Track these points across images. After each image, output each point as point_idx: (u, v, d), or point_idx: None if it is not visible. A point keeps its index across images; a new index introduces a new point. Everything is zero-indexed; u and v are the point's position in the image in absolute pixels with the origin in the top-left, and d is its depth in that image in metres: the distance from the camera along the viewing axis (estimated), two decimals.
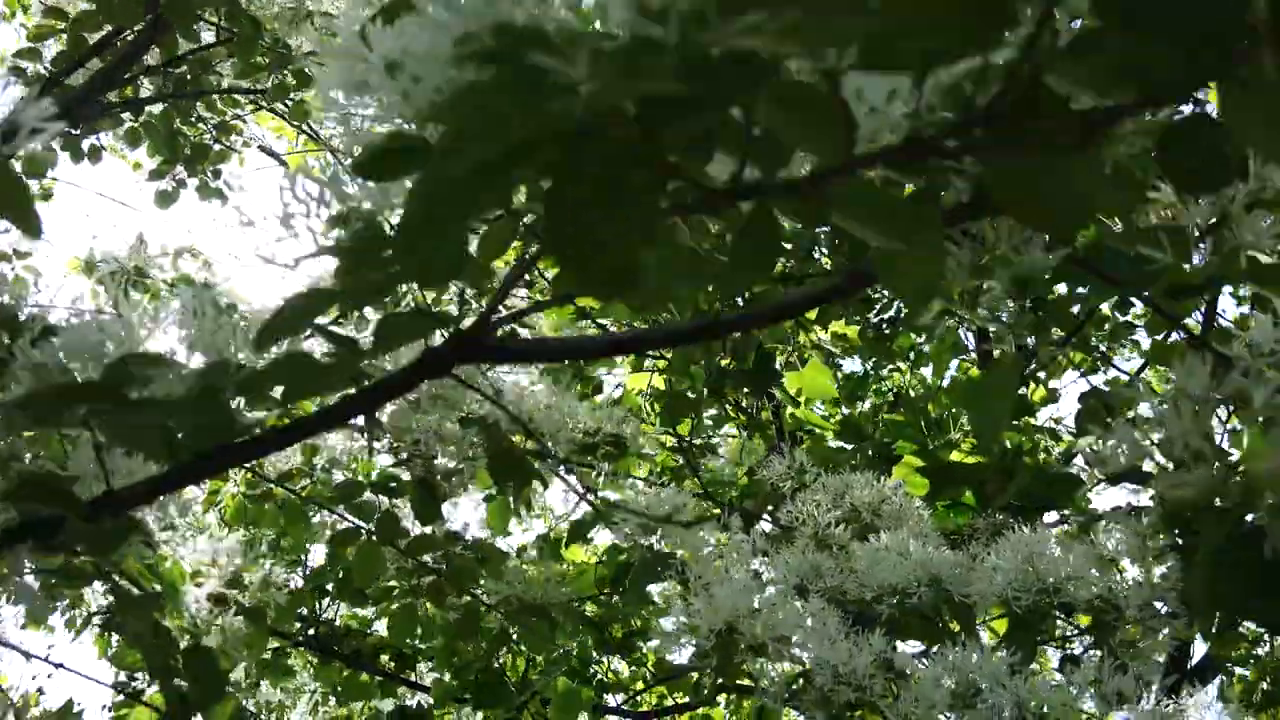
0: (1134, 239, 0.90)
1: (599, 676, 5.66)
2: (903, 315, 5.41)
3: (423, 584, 2.59)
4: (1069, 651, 1.98)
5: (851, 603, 2.05)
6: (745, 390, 2.99)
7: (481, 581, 2.65)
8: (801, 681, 1.85)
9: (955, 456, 2.65)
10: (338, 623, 6.37)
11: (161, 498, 1.42)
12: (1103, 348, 3.63)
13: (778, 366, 3.13)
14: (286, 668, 5.73)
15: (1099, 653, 1.87)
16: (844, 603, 2.07)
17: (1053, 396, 3.78)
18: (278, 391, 1.08)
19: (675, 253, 0.95)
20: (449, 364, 1.08)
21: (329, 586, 5.38)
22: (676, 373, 2.87)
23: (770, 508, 2.47)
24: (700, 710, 7.34)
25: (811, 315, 4.05)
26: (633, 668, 6.08)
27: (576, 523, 2.40)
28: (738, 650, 1.88)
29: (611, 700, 7.15)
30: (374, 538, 2.49)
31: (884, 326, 5.59)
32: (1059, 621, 2.00)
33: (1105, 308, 3.48)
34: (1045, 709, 1.70)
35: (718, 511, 2.36)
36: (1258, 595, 0.63)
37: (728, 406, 3.00)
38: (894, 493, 2.43)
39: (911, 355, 5.05)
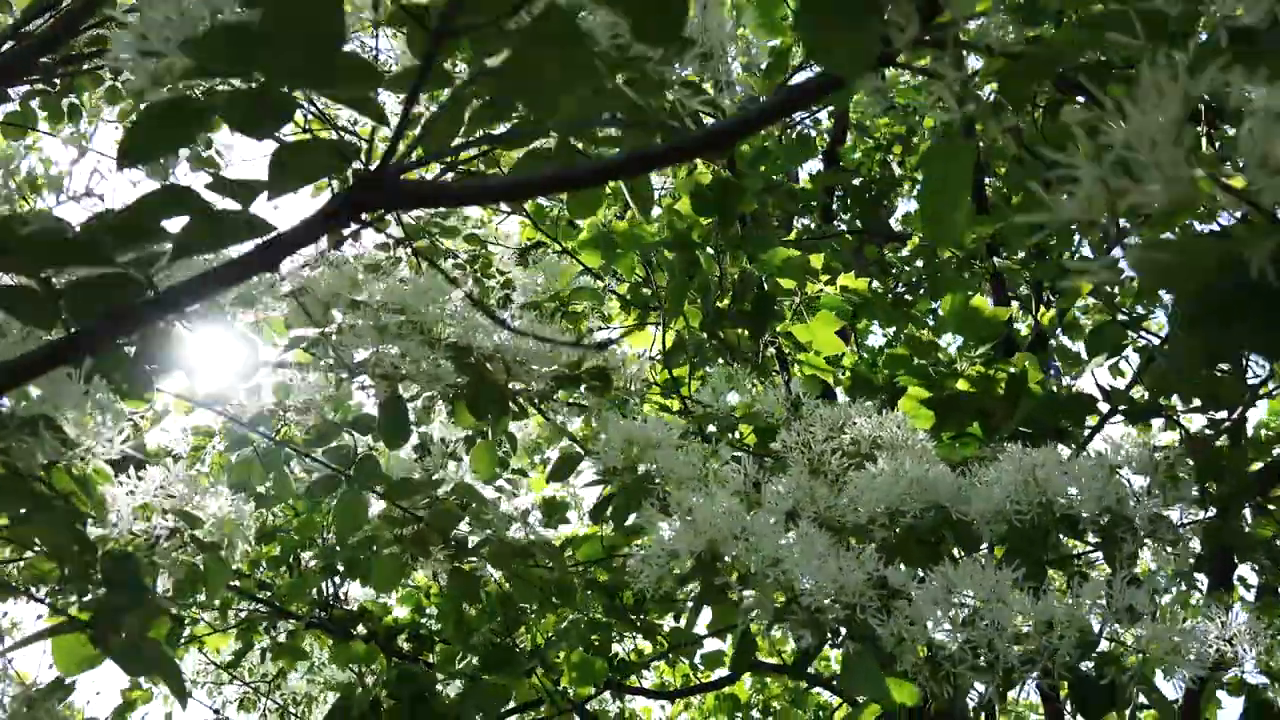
0: None
1: (620, 655, 5.58)
2: (925, 280, 5.28)
3: (406, 534, 2.49)
4: (1078, 569, 1.86)
5: (845, 528, 1.94)
6: (744, 333, 2.88)
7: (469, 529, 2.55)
8: (789, 603, 1.73)
9: (961, 386, 2.53)
10: (354, 605, 6.31)
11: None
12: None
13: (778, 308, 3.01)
14: (300, 650, 5.66)
15: (1109, 569, 1.74)
16: (838, 529, 1.95)
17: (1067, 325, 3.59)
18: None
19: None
20: (356, 208, 0.97)
21: (339, 566, 5.32)
22: (673, 315, 2.75)
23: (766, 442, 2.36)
24: (725, 689, 7.24)
25: (818, 263, 3.93)
26: (648, 641, 5.99)
27: (559, 459, 2.29)
28: (720, 574, 1.77)
29: (638, 682, 7.08)
30: (354, 485, 2.39)
31: (904, 294, 5.46)
32: (1066, 541, 1.87)
33: None
34: (1051, 624, 1.57)
35: (708, 442, 2.24)
36: (1248, 323, 0.52)
37: (726, 354, 2.88)
38: (895, 424, 2.31)
39: (932, 321, 4.91)
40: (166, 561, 1.83)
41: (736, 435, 2.36)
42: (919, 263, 5.23)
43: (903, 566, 1.75)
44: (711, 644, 5.78)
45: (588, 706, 5.50)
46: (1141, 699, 1.61)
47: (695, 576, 1.78)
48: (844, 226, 6.23)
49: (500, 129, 1.04)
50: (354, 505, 2.43)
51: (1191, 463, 1.96)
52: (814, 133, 7.50)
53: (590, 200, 1.79)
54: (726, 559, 1.80)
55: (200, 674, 8.54)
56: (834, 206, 6.03)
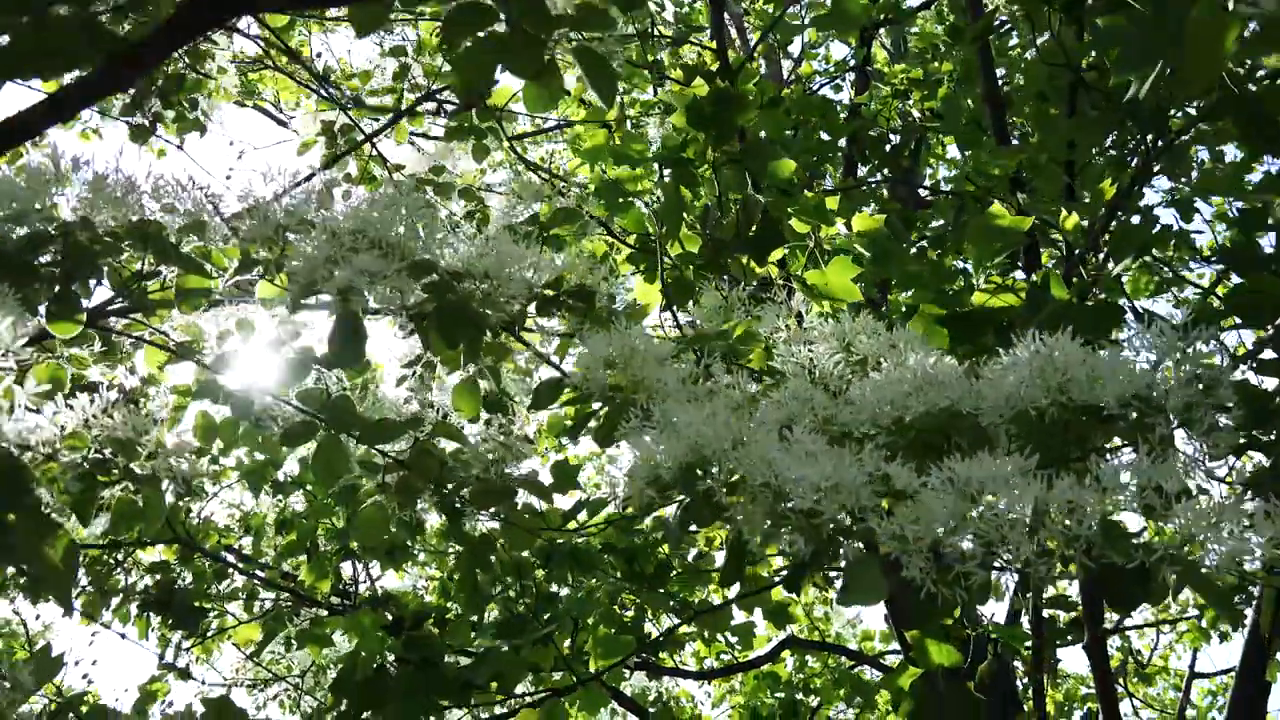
0: None
1: (654, 635, 5.44)
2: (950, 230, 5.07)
3: (390, 482, 2.34)
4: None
5: (846, 435, 1.76)
6: (747, 260, 2.71)
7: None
8: (782, 508, 1.56)
9: (977, 299, 2.34)
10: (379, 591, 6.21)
11: None
12: None
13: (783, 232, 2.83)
14: (324, 637, 5.56)
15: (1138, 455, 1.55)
16: (838, 438, 1.78)
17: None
18: None
19: None
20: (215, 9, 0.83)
21: (354, 546, 5.21)
22: (670, 238, 2.59)
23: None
24: (766, 667, 7.05)
25: (833, 205, 3.76)
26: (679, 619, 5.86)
27: (540, 387, 2.13)
28: (706, 483, 1.60)
29: (671, 661, 6.93)
30: (329, 429, 2.25)
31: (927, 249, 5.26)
32: (1090, 436, 1.69)
33: None
34: (1072, 509, 1.40)
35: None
36: None
37: (727, 284, 2.72)
38: (905, 339, 2.13)
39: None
40: (106, 497, 1.69)
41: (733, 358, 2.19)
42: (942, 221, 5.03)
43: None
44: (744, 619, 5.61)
45: (622, 688, 5.36)
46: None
47: (680, 488, 1.62)
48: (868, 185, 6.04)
49: None
50: (331, 452, 2.29)
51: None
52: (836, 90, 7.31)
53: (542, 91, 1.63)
54: (715, 470, 1.64)
55: (240, 670, 8.49)
56: (857, 162, 5.85)
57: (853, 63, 6.37)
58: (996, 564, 1.42)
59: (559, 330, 2.19)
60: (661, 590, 4.18)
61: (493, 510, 2.38)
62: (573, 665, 3.98)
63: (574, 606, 3.84)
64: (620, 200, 3.65)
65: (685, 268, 2.75)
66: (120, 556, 6.99)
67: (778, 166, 2.64)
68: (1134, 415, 1.64)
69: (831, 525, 1.52)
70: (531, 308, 2.13)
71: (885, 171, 5.77)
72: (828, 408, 1.80)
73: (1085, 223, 2.40)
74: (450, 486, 2.32)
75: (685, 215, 2.59)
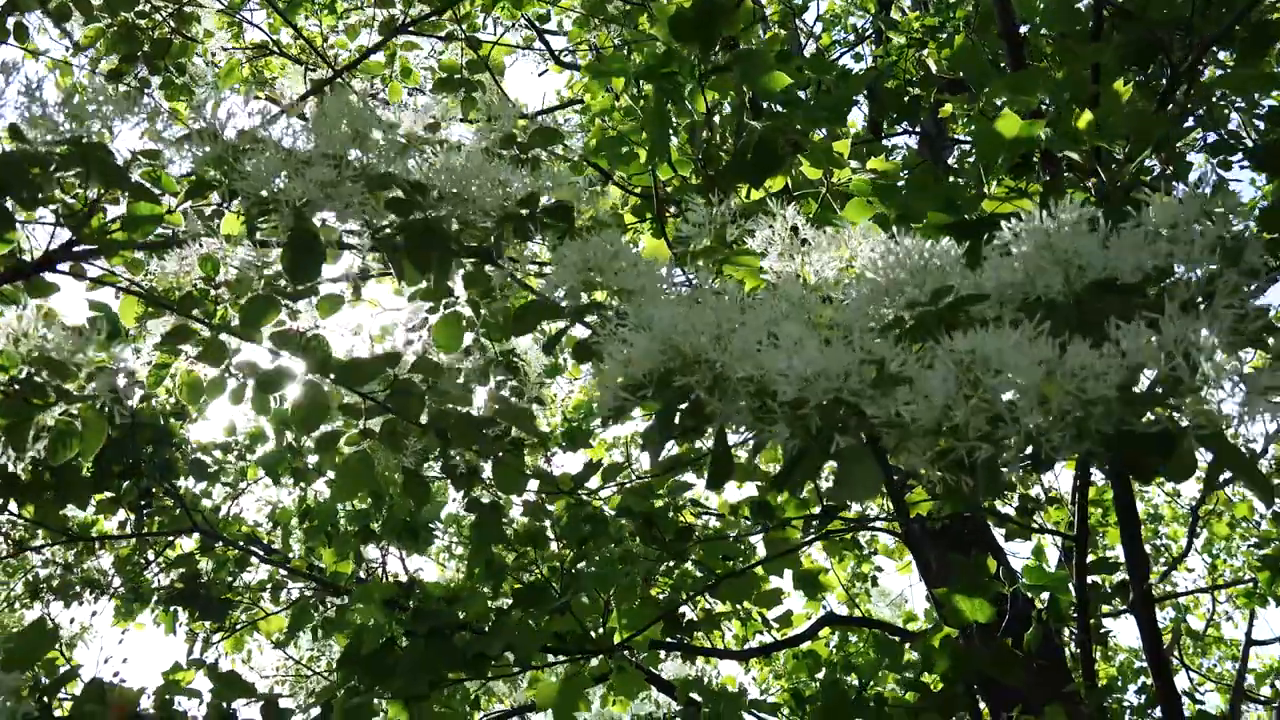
0: None
1: (689, 617, 5.30)
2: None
3: (373, 428, 2.22)
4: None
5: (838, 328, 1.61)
6: (746, 190, 2.56)
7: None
8: (767, 402, 1.42)
9: (987, 207, 2.19)
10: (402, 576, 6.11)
11: None
12: None
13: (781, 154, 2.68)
14: (351, 625, 5.46)
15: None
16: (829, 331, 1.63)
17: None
18: None
19: None
20: None
21: (374, 527, 5.11)
22: (657, 155, 2.45)
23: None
24: (805, 646, 6.89)
25: (844, 149, 3.60)
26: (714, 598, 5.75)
27: (518, 311, 1.99)
28: (682, 379, 1.46)
29: (705, 641, 6.77)
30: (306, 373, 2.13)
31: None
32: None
33: None
34: (1085, 373, 1.25)
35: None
36: None
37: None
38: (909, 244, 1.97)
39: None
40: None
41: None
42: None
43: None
44: (785, 599, 5.47)
45: (660, 674, 5.21)
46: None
47: (654, 388, 1.48)
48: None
49: None
50: (310, 398, 2.17)
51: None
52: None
53: None
54: (694, 371, 1.50)
55: (281, 668, 8.46)
56: (880, 124, 5.69)
57: (870, 30, 6.21)
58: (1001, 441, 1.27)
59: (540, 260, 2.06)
60: (683, 555, 4.04)
61: (476, 448, 2.24)
62: (589, 637, 3.84)
63: (595, 577, 3.71)
64: (623, 150, 3.52)
65: (683, 201, 2.61)
66: (151, 555, 6.98)
67: (772, 78, 2.49)
68: (1153, 290, 1.49)
69: (820, 417, 1.38)
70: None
71: (905, 126, 5.61)
72: (819, 309, 1.66)
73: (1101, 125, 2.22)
74: (437, 429, 2.19)
75: (674, 138, 2.45)
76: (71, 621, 8.02)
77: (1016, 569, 5.00)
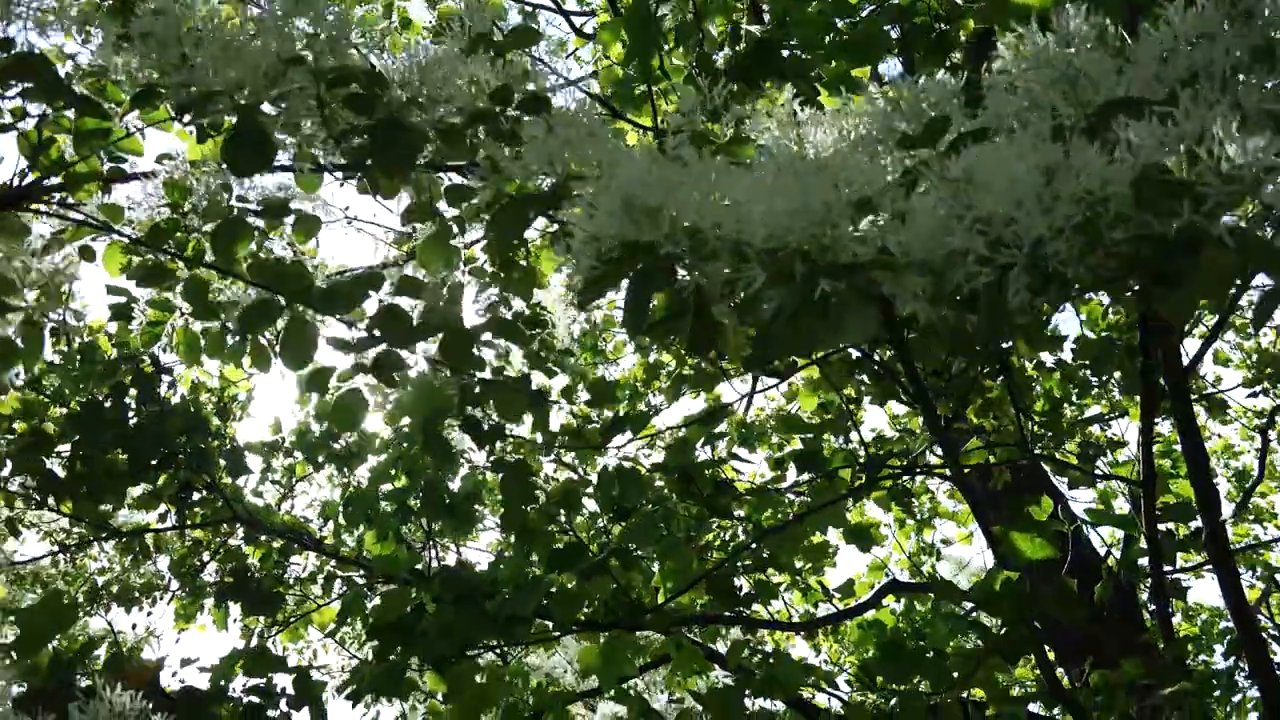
0: None
1: (745, 588, 5.15)
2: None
3: (365, 361, 2.11)
4: None
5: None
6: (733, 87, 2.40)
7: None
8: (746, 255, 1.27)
9: None
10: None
11: None
12: None
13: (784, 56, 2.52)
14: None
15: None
16: None
17: None
18: None
19: None
20: None
21: (411, 503, 5.02)
22: (637, 57, 2.30)
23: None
24: (869, 614, 6.69)
25: (864, 74, 3.43)
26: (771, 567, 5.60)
27: (499, 211, 1.85)
28: (649, 234, 1.31)
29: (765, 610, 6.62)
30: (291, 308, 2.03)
31: None
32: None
33: None
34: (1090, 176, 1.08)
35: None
36: None
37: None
38: None
39: None
40: None
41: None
42: None
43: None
44: (846, 570, 5.30)
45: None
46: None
47: (625, 252, 1.34)
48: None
49: None
50: (296, 332, 2.06)
51: None
52: None
53: None
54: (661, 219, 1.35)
55: (346, 668, 8.42)
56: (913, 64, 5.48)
57: None
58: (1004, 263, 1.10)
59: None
60: (725, 510, 3.88)
61: (472, 373, 2.12)
62: (622, 602, 3.70)
63: (633, 531, 3.55)
64: (636, 93, 3.40)
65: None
66: (205, 557, 6.98)
67: None
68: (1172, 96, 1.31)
69: (802, 263, 1.22)
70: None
71: (935, 66, 5.40)
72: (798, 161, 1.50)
73: None
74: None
75: (667, 45, 2.31)
76: (134, 627, 8.06)
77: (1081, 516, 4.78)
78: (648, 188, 1.31)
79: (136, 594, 7.50)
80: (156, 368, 4.26)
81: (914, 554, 7.71)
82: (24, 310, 1.68)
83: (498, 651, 3.72)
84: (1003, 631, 3.62)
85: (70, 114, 1.74)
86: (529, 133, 1.58)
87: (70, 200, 1.98)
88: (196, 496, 5.10)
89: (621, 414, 3.38)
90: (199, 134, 1.64)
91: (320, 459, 5.73)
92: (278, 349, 2.13)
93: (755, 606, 5.70)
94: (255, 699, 3.06)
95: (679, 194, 1.33)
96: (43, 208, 1.96)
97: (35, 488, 4.47)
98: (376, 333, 2.01)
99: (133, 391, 4.23)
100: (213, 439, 4.92)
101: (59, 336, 7.01)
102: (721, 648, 5.48)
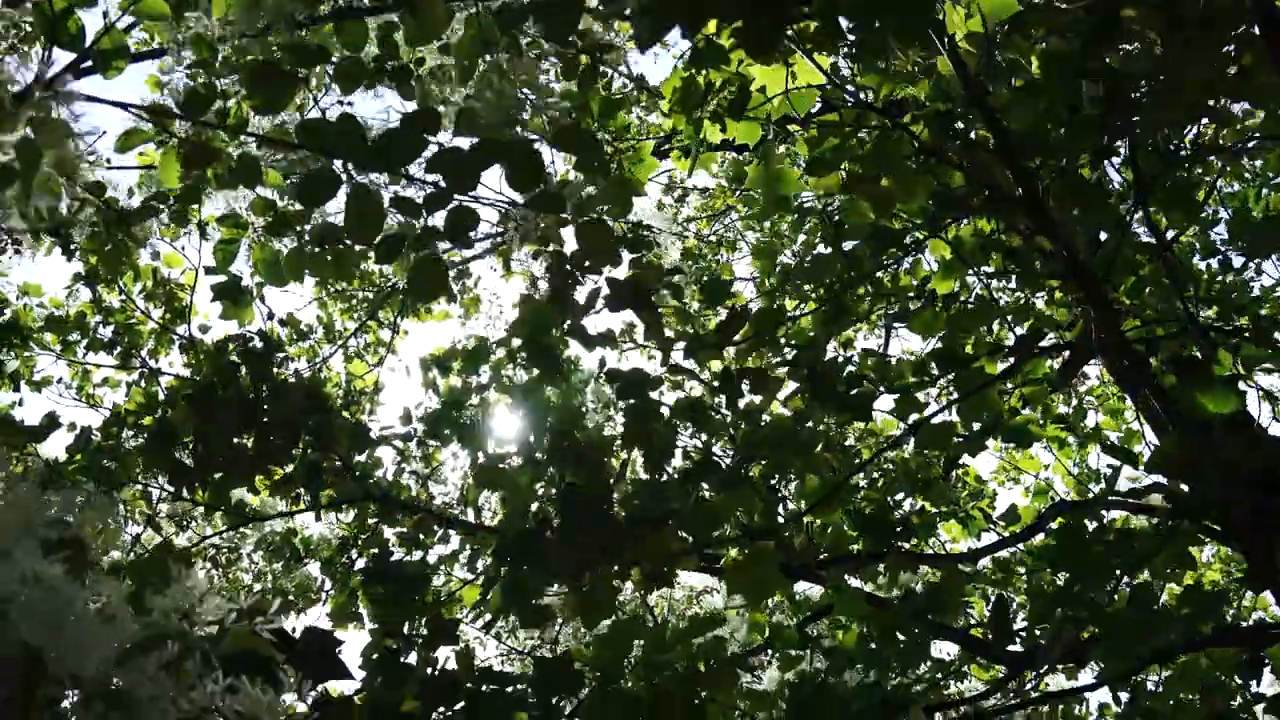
0: None
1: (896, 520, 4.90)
2: None
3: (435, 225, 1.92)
4: None
5: None
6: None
7: None
8: None
9: None
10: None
11: None
12: None
13: None
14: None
15: None
16: None
17: None
18: None
19: None
20: None
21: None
22: None
23: None
24: (1038, 540, 6.29)
25: None
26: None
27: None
28: None
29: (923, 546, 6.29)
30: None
31: None
32: None
33: None
34: None
35: None
36: None
37: None
38: None
39: None
40: None
41: None
42: None
43: None
44: (1008, 497, 4.95)
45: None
46: None
47: None
48: None
49: None
50: (360, 201, 1.88)
51: None
52: None
53: None
54: None
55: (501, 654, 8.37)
56: None
57: None
58: None
59: None
60: (863, 411, 3.60)
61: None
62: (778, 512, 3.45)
63: (765, 438, 3.29)
64: None
65: None
66: (354, 554, 7.00)
67: None
68: None
69: None
70: None
71: None
72: None
73: None
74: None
75: None
76: (293, 631, 8.15)
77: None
78: None
79: (291, 597, 7.57)
80: (266, 344, 4.20)
81: (1080, 474, 7.21)
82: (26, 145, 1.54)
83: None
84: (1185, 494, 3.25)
85: None
86: None
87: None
88: (325, 478, 5.05)
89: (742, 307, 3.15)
90: None
91: (447, 432, 5.63)
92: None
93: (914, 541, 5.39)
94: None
95: None
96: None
97: (168, 480, 4.46)
98: (441, 183, 1.81)
99: (243, 370, 4.18)
100: (332, 416, 4.85)
101: (187, 351, 7.08)
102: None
